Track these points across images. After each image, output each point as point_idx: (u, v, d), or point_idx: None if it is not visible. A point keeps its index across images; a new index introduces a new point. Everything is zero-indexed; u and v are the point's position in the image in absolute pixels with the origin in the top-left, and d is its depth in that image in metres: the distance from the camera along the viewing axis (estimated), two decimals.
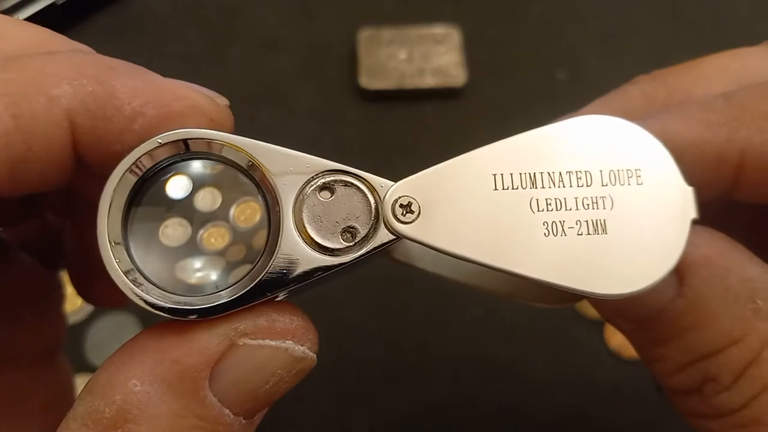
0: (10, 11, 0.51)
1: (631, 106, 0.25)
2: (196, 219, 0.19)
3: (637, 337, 0.23)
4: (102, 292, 0.28)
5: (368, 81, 0.52)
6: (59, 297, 0.28)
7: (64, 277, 0.29)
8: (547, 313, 0.45)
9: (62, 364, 0.27)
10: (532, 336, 0.45)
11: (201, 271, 0.19)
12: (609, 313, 0.23)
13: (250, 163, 0.18)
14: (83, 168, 0.19)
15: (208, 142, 0.18)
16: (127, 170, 0.18)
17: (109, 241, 0.18)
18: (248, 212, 0.19)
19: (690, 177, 0.20)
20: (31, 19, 0.52)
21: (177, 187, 0.19)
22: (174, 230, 0.19)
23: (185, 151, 0.18)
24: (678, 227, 0.19)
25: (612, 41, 0.55)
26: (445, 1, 0.57)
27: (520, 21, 0.56)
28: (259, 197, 0.19)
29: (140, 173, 0.18)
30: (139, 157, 0.18)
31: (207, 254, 0.19)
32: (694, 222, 0.19)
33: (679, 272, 0.20)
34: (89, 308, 0.43)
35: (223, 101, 0.20)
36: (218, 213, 0.19)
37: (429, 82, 0.52)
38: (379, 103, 0.53)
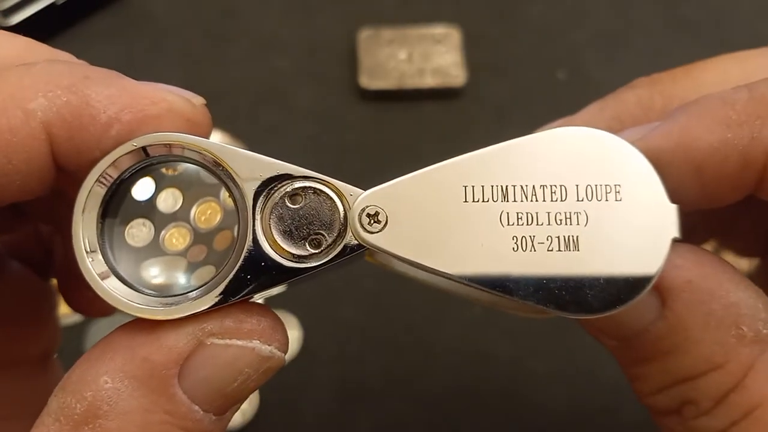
0: (10, 11, 0.51)
1: (626, 114, 0.24)
2: (159, 220, 0.19)
3: (619, 353, 0.22)
4: (88, 301, 0.28)
5: (368, 81, 0.52)
6: (52, 304, 0.28)
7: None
8: None
9: (56, 370, 0.27)
10: (532, 334, 0.45)
11: (163, 272, 0.19)
12: (590, 328, 0.23)
13: (221, 168, 0.19)
14: (66, 175, 0.19)
15: (176, 145, 0.19)
16: (100, 175, 0.18)
17: (84, 245, 0.18)
18: (209, 213, 0.20)
19: (713, 181, 0.19)
20: (31, 19, 0.52)
21: (141, 188, 0.19)
22: (138, 231, 0.19)
23: (146, 157, 0.19)
24: (657, 247, 0.18)
25: (612, 41, 0.55)
26: (445, 1, 0.57)
27: (520, 21, 0.56)
28: (228, 199, 0.19)
29: (113, 178, 0.19)
30: (112, 162, 0.18)
31: (169, 254, 0.19)
32: (676, 241, 0.18)
33: (662, 294, 0.20)
34: None
35: (199, 101, 0.20)
36: (179, 214, 0.19)
37: (429, 82, 0.52)
38: (379, 103, 0.53)
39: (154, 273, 0.19)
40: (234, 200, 0.19)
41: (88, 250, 0.18)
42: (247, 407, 0.42)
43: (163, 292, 0.19)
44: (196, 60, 0.54)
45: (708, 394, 0.20)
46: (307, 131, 0.51)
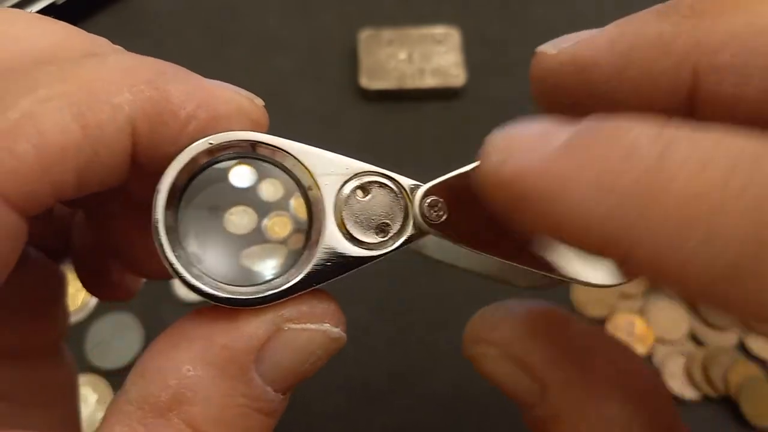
0: None
1: (637, 53, 0.20)
2: (261, 208, 0.20)
3: None
4: (111, 286, 0.28)
5: (368, 81, 0.52)
6: (65, 288, 0.28)
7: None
8: None
9: (67, 355, 0.27)
10: None
11: (266, 258, 0.20)
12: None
13: (296, 165, 0.20)
14: (133, 167, 0.20)
15: (252, 143, 0.20)
16: (182, 167, 0.19)
17: (167, 241, 0.19)
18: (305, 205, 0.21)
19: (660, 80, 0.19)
20: None
21: (241, 176, 0.20)
22: (239, 218, 0.20)
23: (252, 152, 0.20)
24: None
25: None
26: (445, 1, 0.57)
27: (520, 21, 0.56)
28: (301, 196, 0.20)
29: (191, 171, 0.20)
30: (190, 159, 0.19)
31: (271, 242, 0.20)
32: None
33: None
34: (89, 308, 0.43)
35: (260, 102, 0.21)
36: (280, 203, 0.20)
37: (429, 82, 0.52)
38: (379, 103, 0.53)
39: (256, 259, 0.20)
40: (305, 195, 0.20)
41: (172, 245, 0.19)
42: None
43: (247, 281, 0.20)
44: (197, 60, 0.54)
45: None
46: (307, 131, 0.51)
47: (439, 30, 0.54)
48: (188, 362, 0.18)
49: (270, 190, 0.20)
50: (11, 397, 0.23)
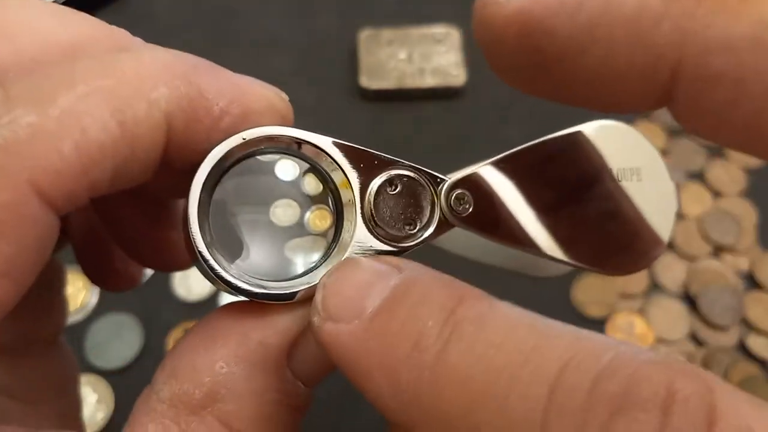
0: None
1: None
2: (304, 201, 0.20)
3: None
4: (114, 275, 0.28)
5: (368, 81, 0.52)
6: (63, 280, 0.28)
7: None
8: (548, 310, 0.45)
9: (66, 349, 0.27)
10: None
11: (308, 250, 0.20)
12: None
13: (324, 158, 0.20)
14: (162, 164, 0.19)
15: (291, 139, 0.20)
16: (215, 163, 0.19)
17: (204, 241, 0.19)
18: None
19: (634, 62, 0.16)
20: None
21: (286, 170, 0.20)
22: (284, 211, 0.20)
23: (298, 149, 0.20)
24: (667, 218, 0.21)
25: None
26: (445, 1, 0.57)
27: None
28: (328, 189, 0.21)
29: (224, 165, 0.19)
30: (223, 155, 0.19)
31: (313, 234, 0.20)
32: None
33: None
34: (89, 308, 0.43)
35: (286, 97, 0.21)
36: (321, 197, 0.20)
37: (429, 82, 0.52)
38: (379, 103, 0.53)
39: (299, 251, 0.20)
40: (330, 188, 0.20)
41: (208, 244, 0.19)
42: None
43: (274, 276, 0.20)
44: None
45: None
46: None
47: (439, 30, 0.54)
48: (222, 359, 0.18)
49: (312, 183, 0.20)
50: (12, 392, 0.23)
